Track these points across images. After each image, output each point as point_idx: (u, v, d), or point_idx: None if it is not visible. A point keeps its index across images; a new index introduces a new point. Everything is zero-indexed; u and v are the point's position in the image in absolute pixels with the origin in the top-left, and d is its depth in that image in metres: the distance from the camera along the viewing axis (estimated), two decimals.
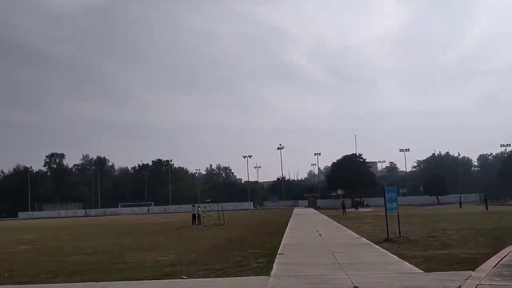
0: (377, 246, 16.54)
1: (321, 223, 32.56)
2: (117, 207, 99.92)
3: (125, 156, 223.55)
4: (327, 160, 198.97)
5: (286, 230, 25.34)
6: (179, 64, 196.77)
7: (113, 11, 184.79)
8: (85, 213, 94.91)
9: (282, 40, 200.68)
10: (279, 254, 14.81)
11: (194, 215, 36.58)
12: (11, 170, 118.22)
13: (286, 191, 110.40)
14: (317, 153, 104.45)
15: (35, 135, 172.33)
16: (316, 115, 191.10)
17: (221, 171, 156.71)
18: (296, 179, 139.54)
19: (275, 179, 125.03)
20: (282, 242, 18.81)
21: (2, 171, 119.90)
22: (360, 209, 62.62)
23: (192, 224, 35.70)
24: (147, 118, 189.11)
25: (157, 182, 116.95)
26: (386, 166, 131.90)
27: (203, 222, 36.12)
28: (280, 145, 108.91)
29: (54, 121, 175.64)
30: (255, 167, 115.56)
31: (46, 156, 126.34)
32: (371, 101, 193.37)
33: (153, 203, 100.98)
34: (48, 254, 18.38)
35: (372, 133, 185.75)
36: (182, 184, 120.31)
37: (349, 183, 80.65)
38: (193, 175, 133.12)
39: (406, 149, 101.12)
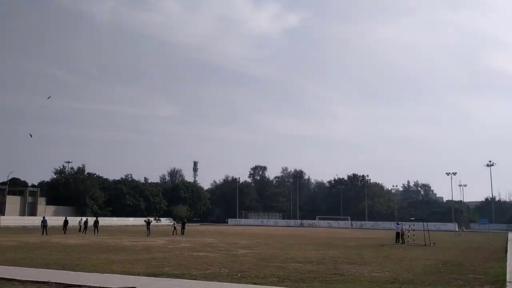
0: None
1: None
2: (314, 219, 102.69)
3: (321, 170, 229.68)
4: None
5: (508, 256, 22.81)
6: (375, 78, 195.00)
7: (308, 30, 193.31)
8: (301, 224, 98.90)
9: (488, 47, 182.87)
10: (509, 282, 13.46)
11: (397, 233, 35.55)
12: (221, 181, 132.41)
13: (497, 213, 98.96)
14: None
15: (243, 148, 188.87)
16: None
17: (419, 188, 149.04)
18: (508, 200, 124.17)
19: (483, 199, 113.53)
20: (508, 269, 17.02)
21: (215, 181, 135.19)
22: None
23: (396, 242, 34.76)
24: (342, 133, 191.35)
25: (352, 197, 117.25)
26: None
27: (408, 241, 34.85)
28: (490, 161, 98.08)
29: (257, 136, 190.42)
30: (459, 185, 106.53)
31: (251, 168, 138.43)
32: None
33: (349, 217, 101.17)
34: (266, 259, 20.09)
35: None
36: (378, 200, 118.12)
37: None
38: (389, 191, 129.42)
39: None
